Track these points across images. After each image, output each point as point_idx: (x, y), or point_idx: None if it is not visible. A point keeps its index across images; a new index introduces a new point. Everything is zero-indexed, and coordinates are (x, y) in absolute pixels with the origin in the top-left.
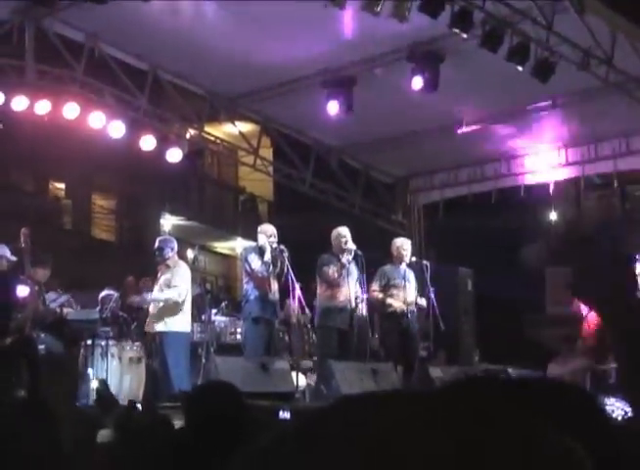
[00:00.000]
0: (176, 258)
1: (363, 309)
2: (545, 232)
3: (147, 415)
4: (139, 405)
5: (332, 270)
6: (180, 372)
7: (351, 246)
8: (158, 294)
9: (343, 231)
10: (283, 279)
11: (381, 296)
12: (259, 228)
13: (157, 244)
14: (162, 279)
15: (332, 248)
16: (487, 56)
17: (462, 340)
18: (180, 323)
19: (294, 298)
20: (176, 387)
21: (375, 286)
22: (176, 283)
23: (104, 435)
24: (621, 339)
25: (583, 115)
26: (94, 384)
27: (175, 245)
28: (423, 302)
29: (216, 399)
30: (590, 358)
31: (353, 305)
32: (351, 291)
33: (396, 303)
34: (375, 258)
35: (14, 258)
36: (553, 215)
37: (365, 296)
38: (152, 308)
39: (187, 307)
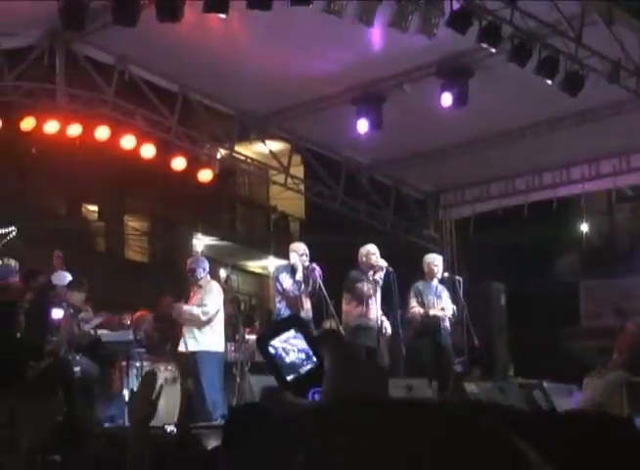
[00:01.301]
0: (208, 278)
1: (388, 328)
2: (578, 245)
3: (180, 437)
4: (173, 427)
5: (367, 287)
6: (215, 392)
7: (383, 263)
8: (187, 307)
9: (372, 248)
10: (315, 297)
11: (422, 310)
12: (291, 247)
13: (188, 265)
14: (195, 299)
15: (359, 265)
16: (516, 70)
17: (496, 355)
18: (213, 343)
19: (327, 316)
20: (211, 407)
21: (413, 302)
22: (206, 302)
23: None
24: None
25: (614, 127)
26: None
27: (207, 265)
28: (453, 307)
29: (255, 418)
30: (626, 371)
31: (379, 322)
32: (378, 308)
33: (439, 312)
34: (407, 274)
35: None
36: (585, 228)
37: (383, 317)
38: (185, 329)
39: (219, 327)
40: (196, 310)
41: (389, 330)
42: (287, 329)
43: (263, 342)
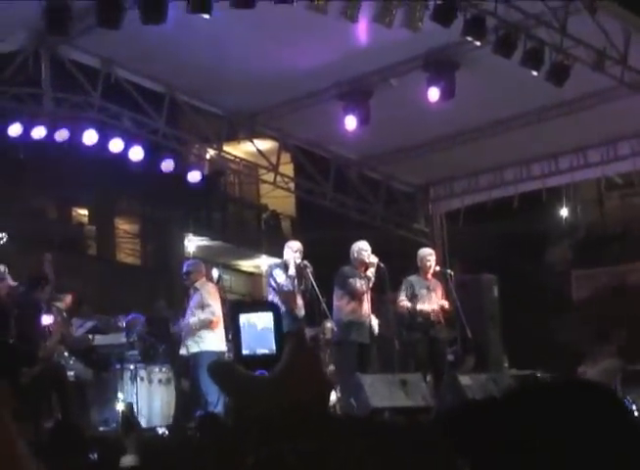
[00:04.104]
0: (204, 279)
1: (375, 327)
2: (568, 234)
3: (174, 438)
4: (164, 430)
5: (359, 284)
6: (213, 392)
7: (374, 259)
8: (194, 318)
9: (364, 245)
10: (307, 295)
11: (410, 304)
12: (286, 244)
13: (184, 268)
14: (193, 302)
15: (351, 261)
16: (502, 62)
17: (490, 346)
18: (214, 342)
19: (320, 315)
20: (209, 407)
21: (402, 296)
22: (209, 302)
23: (127, 460)
24: None
25: (600, 116)
26: (120, 407)
27: (203, 267)
28: (445, 302)
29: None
30: (620, 359)
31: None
32: (369, 305)
33: (427, 307)
34: (399, 269)
35: (14, 284)
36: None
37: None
38: (184, 334)
39: (220, 328)
40: (204, 315)
41: (377, 328)
42: (265, 310)
43: (239, 309)
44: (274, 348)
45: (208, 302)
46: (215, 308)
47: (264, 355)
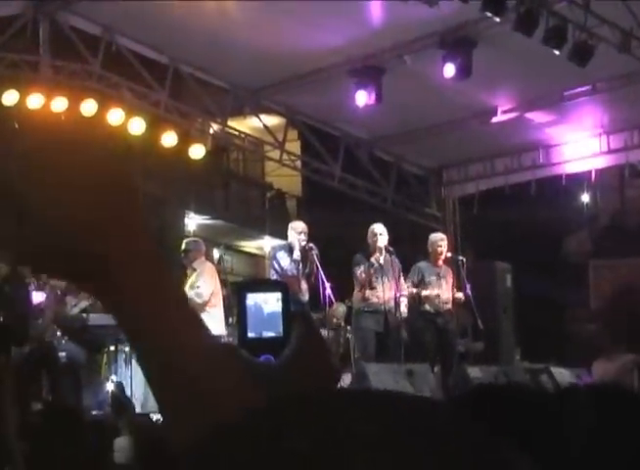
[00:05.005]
0: (203, 259)
1: (404, 309)
2: (587, 223)
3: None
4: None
5: (360, 271)
6: None
7: (381, 244)
8: None
9: (377, 228)
10: (313, 279)
11: (415, 290)
12: (290, 225)
13: (183, 246)
14: (189, 282)
15: (367, 246)
16: (522, 40)
17: (502, 337)
18: (211, 327)
19: (324, 298)
20: None
21: (408, 282)
22: (199, 284)
23: (120, 442)
24: None
25: (625, 99)
26: (110, 386)
27: (202, 246)
28: (460, 295)
29: None
30: (638, 353)
31: (392, 304)
32: (386, 291)
33: (432, 292)
34: (409, 254)
35: None
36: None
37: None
38: None
39: (217, 310)
40: (189, 296)
41: (405, 312)
42: (272, 290)
43: (245, 289)
44: (281, 330)
45: (198, 283)
46: (204, 290)
47: (271, 339)
